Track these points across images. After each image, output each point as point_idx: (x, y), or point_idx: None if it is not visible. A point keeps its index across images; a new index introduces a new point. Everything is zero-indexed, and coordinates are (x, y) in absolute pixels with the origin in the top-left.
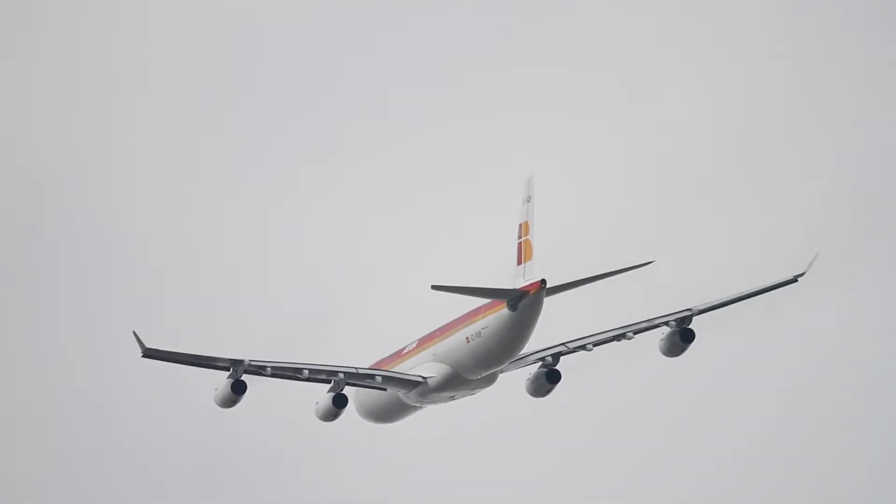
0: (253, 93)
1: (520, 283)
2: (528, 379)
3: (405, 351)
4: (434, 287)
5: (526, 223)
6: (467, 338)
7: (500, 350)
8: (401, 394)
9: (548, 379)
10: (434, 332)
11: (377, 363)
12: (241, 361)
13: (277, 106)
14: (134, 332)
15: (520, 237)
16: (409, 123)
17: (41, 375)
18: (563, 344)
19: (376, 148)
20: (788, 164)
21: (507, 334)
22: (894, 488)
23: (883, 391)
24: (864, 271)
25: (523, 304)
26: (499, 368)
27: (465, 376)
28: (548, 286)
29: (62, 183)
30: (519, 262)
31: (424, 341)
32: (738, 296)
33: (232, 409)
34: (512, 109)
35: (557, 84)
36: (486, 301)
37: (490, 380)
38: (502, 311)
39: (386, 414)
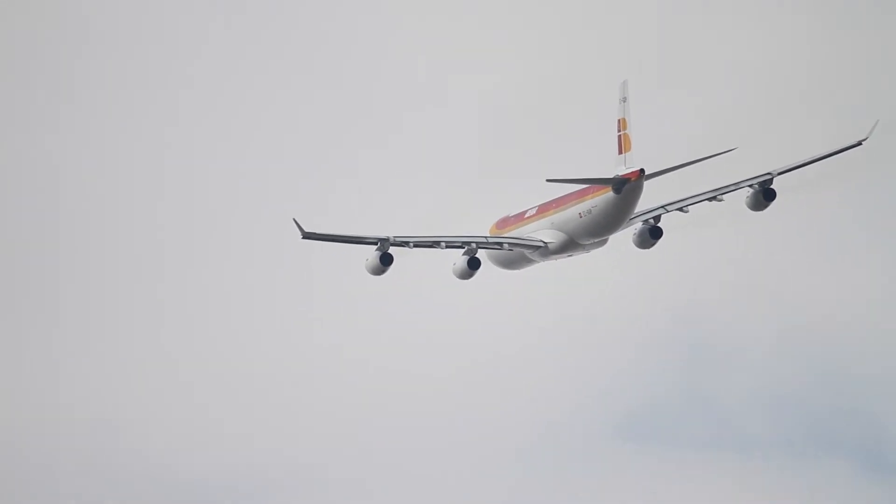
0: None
1: (622, 171)
2: (634, 233)
3: (527, 215)
4: (549, 180)
5: (623, 119)
6: (580, 213)
7: (608, 224)
8: (525, 252)
9: (651, 235)
10: (551, 202)
11: (503, 219)
12: (387, 238)
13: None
14: (294, 219)
15: (619, 131)
16: None
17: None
18: (662, 206)
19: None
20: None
21: (613, 212)
22: None
23: None
24: None
25: (626, 188)
26: (608, 236)
27: (579, 241)
28: (646, 173)
29: None
30: (620, 153)
31: (543, 209)
32: (811, 159)
33: (382, 276)
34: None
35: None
36: None
37: (601, 242)
38: (608, 194)
39: (512, 264)
